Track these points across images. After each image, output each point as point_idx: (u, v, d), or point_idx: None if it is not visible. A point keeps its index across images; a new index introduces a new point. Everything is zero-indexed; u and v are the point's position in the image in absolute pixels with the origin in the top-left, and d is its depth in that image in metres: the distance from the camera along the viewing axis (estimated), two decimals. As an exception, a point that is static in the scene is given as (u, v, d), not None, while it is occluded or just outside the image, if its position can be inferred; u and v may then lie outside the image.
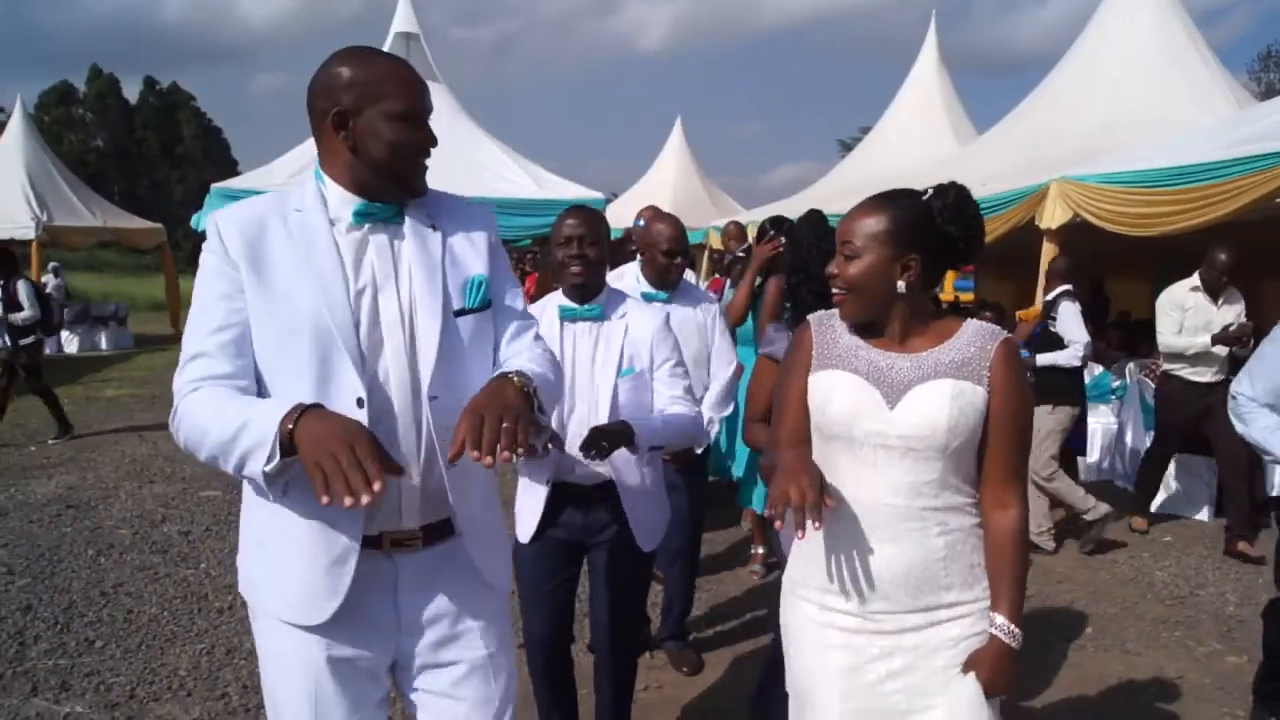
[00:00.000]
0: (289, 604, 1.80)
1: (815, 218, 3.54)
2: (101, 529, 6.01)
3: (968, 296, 14.79)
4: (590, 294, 2.85)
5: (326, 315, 1.73)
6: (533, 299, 2.74)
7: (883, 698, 1.89)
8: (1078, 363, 5.88)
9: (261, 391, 1.77)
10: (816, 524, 1.68)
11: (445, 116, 6.99)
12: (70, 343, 17.26)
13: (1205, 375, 6.02)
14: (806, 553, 1.99)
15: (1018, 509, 1.90)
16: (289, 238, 1.79)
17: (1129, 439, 7.35)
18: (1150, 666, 4.17)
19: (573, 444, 2.65)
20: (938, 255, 1.93)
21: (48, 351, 16.17)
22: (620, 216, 11.00)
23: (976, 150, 11.11)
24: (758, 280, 5.04)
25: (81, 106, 60.97)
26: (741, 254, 6.16)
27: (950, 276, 14.33)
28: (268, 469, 1.59)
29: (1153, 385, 6.76)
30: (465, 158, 9.67)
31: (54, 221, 16.02)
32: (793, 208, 10.43)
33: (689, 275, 4.65)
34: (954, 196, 1.92)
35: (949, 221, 1.90)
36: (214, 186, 8.74)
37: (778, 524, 1.70)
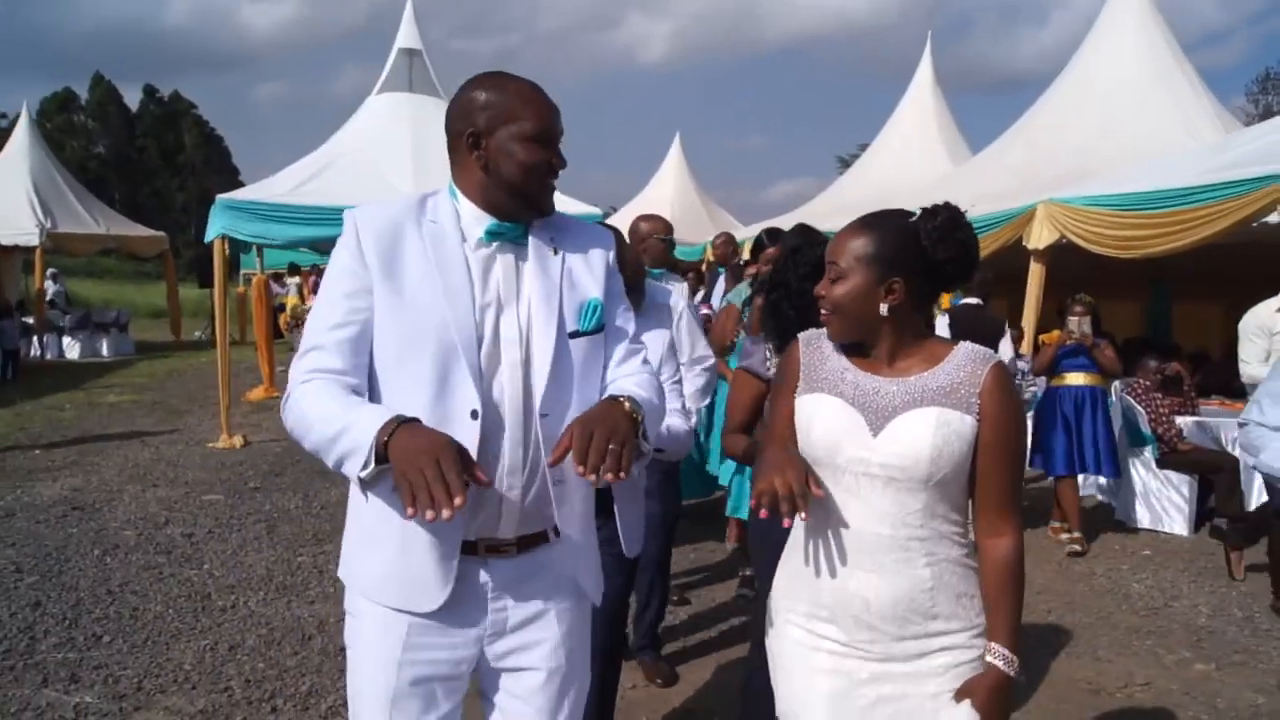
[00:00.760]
0: (398, 593, 1.84)
1: (799, 230, 3.54)
2: (106, 530, 6.16)
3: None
4: None
5: (452, 329, 1.78)
6: None
7: None
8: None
9: (374, 392, 1.84)
10: (804, 515, 1.67)
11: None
12: (72, 349, 17.45)
13: None
14: (792, 576, 1.98)
15: (1013, 537, 1.86)
16: (422, 248, 1.84)
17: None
18: (1120, 673, 4.31)
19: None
20: (927, 277, 1.89)
21: (49, 356, 16.46)
22: (618, 231, 11.14)
23: (968, 171, 11.33)
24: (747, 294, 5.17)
25: (83, 114, 61.23)
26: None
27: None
28: (363, 475, 1.66)
29: (1137, 406, 6.91)
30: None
31: (58, 228, 16.22)
32: (790, 223, 10.57)
33: (680, 291, 4.79)
34: (943, 218, 1.86)
35: (937, 243, 1.85)
36: (219, 198, 8.88)
37: (762, 513, 1.68)
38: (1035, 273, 7.70)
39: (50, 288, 18.21)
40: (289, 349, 15.48)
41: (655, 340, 3.02)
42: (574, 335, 1.90)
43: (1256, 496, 6.76)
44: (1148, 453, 6.86)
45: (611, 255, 2.04)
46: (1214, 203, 6.17)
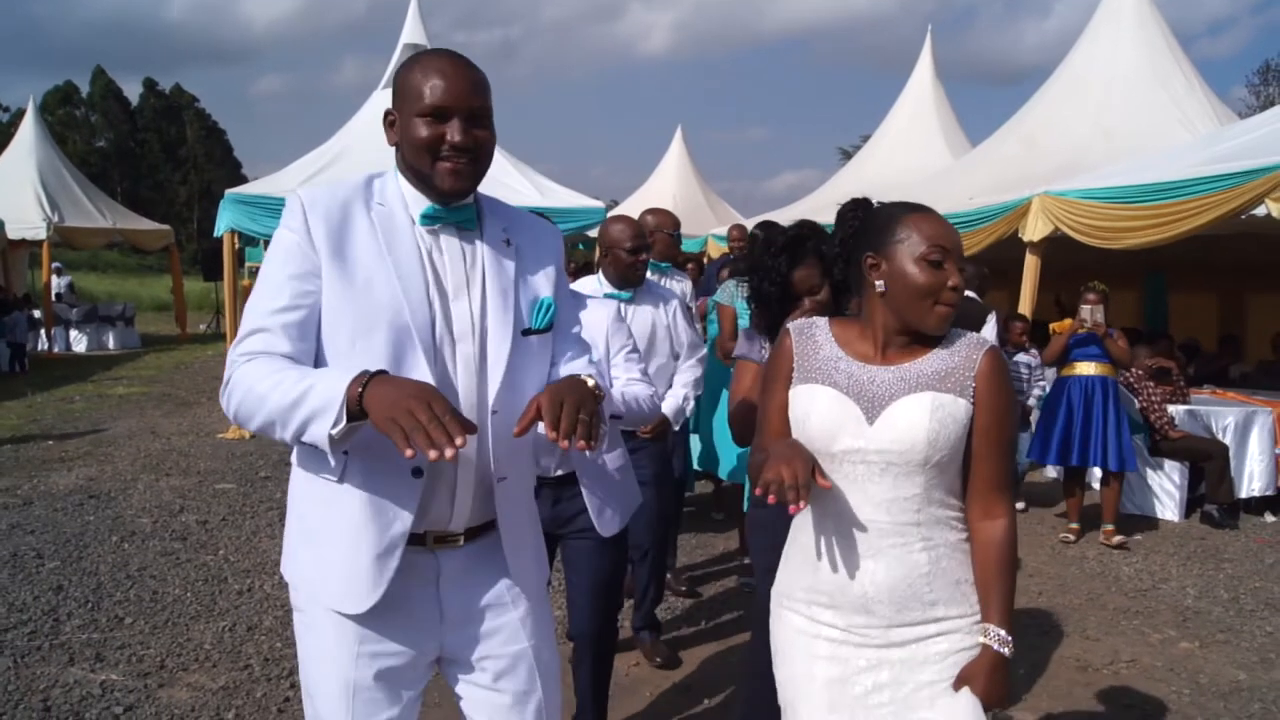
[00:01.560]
0: (333, 592, 1.81)
1: (767, 223, 3.52)
2: (123, 518, 6.31)
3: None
4: None
5: (406, 312, 1.74)
6: None
7: (870, 710, 1.89)
8: None
9: None
10: (803, 503, 1.67)
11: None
12: (79, 342, 17.66)
13: None
14: (793, 564, 2.01)
15: (1006, 519, 1.89)
16: (371, 229, 1.78)
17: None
18: (1107, 651, 4.47)
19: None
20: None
21: (57, 350, 16.63)
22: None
23: (966, 164, 11.45)
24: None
25: (85, 107, 61.36)
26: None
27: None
28: (333, 432, 1.58)
29: (1130, 395, 7.04)
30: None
31: (65, 222, 16.37)
32: (791, 215, 10.75)
33: (684, 286, 4.89)
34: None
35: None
36: (228, 193, 9.04)
37: (770, 499, 1.68)
38: (1030, 264, 7.84)
39: (56, 282, 18.37)
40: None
41: (601, 309, 3.03)
42: (526, 333, 1.88)
43: (1246, 484, 6.94)
44: (1140, 440, 6.99)
45: (562, 254, 2.03)
46: (1202, 195, 6.31)
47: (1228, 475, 6.77)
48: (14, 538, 5.78)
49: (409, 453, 1.47)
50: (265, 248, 11.49)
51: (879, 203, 2.06)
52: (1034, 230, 7.67)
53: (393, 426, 1.49)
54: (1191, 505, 6.96)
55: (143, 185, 58.35)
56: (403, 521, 1.78)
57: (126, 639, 4.34)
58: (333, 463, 1.71)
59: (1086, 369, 6.36)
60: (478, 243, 1.87)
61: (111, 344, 18.04)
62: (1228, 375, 9.39)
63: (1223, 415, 7.12)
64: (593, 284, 4.04)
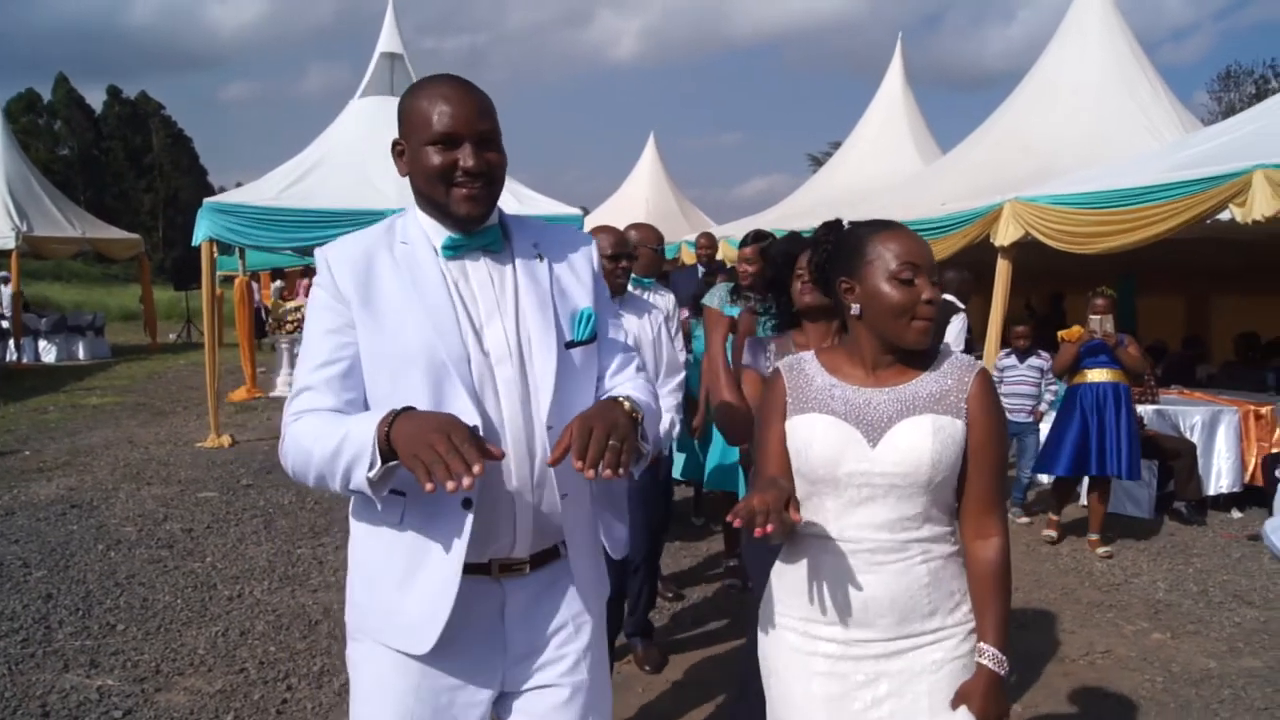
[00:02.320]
0: (395, 635, 1.80)
1: (792, 237, 3.67)
2: (107, 526, 6.31)
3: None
4: None
5: (439, 347, 1.74)
6: None
7: None
8: None
9: None
10: (769, 528, 1.66)
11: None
12: (48, 352, 17.43)
13: None
14: (787, 582, 2.02)
15: (1000, 538, 1.92)
16: (396, 271, 1.80)
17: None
18: (1082, 643, 4.61)
19: None
20: None
21: (25, 360, 16.43)
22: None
23: (936, 170, 11.63)
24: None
25: (48, 115, 60.55)
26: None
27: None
28: (371, 475, 1.61)
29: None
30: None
31: (34, 232, 16.16)
32: (763, 222, 10.89)
33: (668, 301, 4.94)
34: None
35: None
36: (207, 201, 9.00)
37: (736, 523, 1.68)
38: (1002, 268, 8.00)
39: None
40: (271, 349, 15.59)
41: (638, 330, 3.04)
42: (569, 345, 1.87)
43: (1213, 481, 7.14)
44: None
45: (596, 261, 2.01)
46: (1169, 201, 6.48)
47: (1195, 473, 6.96)
48: (-2, 547, 5.77)
49: (429, 486, 1.49)
50: (239, 255, 11.44)
51: (850, 223, 2.10)
52: (1005, 235, 7.82)
53: (415, 462, 1.52)
54: (1161, 502, 7.13)
55: (107, 194, 57.54)
56: (456, 554, 1.76)
57: (120, 645, 4.36)
58: (379, 507, 1.75)
59: (1098, 376, 6.25)
60: (508, 263, 1.88)
61: (81, 354, 17.80)
62: (1194, 376, 9.61)
63: (1190, 414, 7.31)
64: None
